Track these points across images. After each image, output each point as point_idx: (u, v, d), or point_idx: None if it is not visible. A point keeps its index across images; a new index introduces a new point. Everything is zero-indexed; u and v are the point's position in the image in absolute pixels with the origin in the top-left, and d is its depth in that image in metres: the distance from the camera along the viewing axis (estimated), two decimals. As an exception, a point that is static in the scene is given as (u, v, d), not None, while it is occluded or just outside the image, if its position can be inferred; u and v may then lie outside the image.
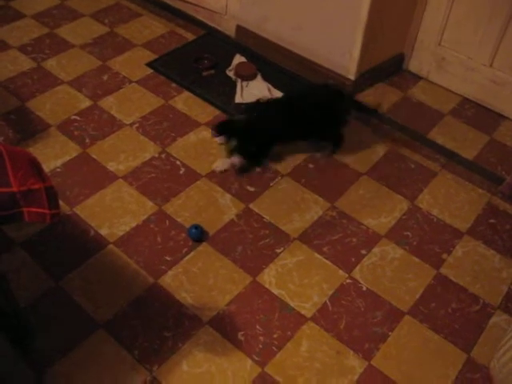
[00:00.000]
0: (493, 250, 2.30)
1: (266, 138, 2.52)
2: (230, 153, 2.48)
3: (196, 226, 2.24)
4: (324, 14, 2.81)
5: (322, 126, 2.56)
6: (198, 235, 2.23)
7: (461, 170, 2.62)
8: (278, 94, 2.92)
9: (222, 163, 2.54)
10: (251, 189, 2.47)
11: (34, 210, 1.33)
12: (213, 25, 3.42)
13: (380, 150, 2.69)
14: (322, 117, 2.52)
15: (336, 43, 2.85)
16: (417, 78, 3.14)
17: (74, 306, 2.01)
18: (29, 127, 2.70)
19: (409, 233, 2.34)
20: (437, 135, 2.79)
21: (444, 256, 2.27)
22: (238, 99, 2.91)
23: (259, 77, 3.02)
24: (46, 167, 2.48)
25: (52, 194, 1.35)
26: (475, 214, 2.44)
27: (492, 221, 2.42)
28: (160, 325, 1.97)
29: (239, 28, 3.28)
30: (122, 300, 2.04)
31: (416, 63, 3.13)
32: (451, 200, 2.49)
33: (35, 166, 1.32)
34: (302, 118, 2.49)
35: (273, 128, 2.48)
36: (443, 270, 2.21)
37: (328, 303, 2.08)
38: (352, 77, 2.89)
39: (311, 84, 2.96)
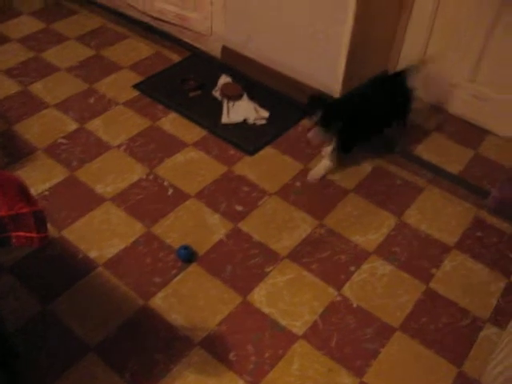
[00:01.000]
0: (481, 263, 2.32)
1: (367, 123, 2.65)
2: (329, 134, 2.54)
3: (185, 247, 2.24)
4: (308, 33, 2.84)
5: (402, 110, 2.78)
6: (188, 256, 2.23)
7: (447, 185, 2.65)
8: (264, 113, 2.95)
9: (317, 170, 2.64)
10: (239, 208, 2.47)
11: (22, 234, 1.33)
12: (198, 46, 3.44)
13: (367, 167, 2.71)
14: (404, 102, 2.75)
15: (321, 62, 2.88)
16: (401, 94, 3.18)
17: (63, 329, 2.00)
18: (16, 151, 2.70)
19: (397, 248, 2.35)
20: (422, 151, 2.82)
21: (433, 271, 2.28)
22: (224, 119, 2.92)
23: (245, 97, 3.04)
24: (34, 191, 2.48)
25: (40, 218, 1.35)
26: (462, 228, 2.46)
27: (479, 234, 2.43)
28: (151, 347, 1.97)
29: (224, 49, 3.30)
30: (112, 322, 2.03)
31: (400, 80, 3.17)
32: (438, 215, 2.51)
33: (23, 191, 1.32)
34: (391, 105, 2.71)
35: (374, 114, 2.64)
36: (432, 285, 2.23)
37: (319, 321, 2.08)
38: (337, 95, 2.91)
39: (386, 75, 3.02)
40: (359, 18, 2.63)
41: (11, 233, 1.32)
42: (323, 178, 2.63)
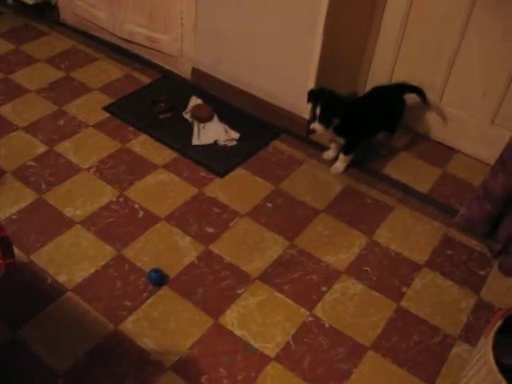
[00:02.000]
0: (451, 280, 2.34)
1: (368, 124, 2.80)
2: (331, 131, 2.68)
3: (156, 270, 2.22)
4: (277, 55, 2.87)
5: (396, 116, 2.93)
6: (159, 279, 2.22)
7: (416, 204, 2.68)
8: (234, 135, 2.96)
9: (339, 166, 2.82)
10: (210, 230, 2.47)
11: (-13, 260, 1.31)
12: (169, 68, 3.45)
13: (337, 187, 2.73)
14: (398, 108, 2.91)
15: (290, 84, 2.91)
16: (370, 115, 3.22)
17: (32, 356, 1.96)
18: (-17, 174, 2.67)
19: (368, 268, 2.37)
20: (391, 170, 2.85)
21: (404, 289, 2.29)
22: (195, 141, 2.93)
23: (215, 118, 3.05)
24: (2, 214, 2.44)
25: (6, 244, 1.33)
26: (432, 246, 2.49)
27: (449, 252, 2.46)
28: (122, 372, 1.94)
29: (194, 70, 3.32)
30: (82, 348, 2.00)
31: (369, 101, 3.21)
32: (408, 233, 2.53)
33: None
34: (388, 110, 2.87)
35: (374, 117, 2.80)
36: (403, 303, 2.24)
37: (291, 342, 2.07)
38: (307, 116, 2.94)
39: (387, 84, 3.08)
40: (328, 39, 2.68)
41: (-24, 259, 1.30)
42: (293, 199, 2.64)
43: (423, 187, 2.77)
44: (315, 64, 2.74)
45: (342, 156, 2.79)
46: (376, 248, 2.45)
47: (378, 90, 2.89)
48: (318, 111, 2.56)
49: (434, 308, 2.24)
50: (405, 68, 2.98)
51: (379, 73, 3.07)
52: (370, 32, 2.97)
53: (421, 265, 2.40)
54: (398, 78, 3.01)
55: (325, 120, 2.58)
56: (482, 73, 2.77)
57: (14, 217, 2.46)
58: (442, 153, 3.00)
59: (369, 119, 2.77)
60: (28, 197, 2.56)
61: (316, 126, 2.59)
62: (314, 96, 2.64)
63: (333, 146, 2.85)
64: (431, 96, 2.93)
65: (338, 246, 2.45)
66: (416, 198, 2.71)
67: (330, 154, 2.88)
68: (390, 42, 2.94)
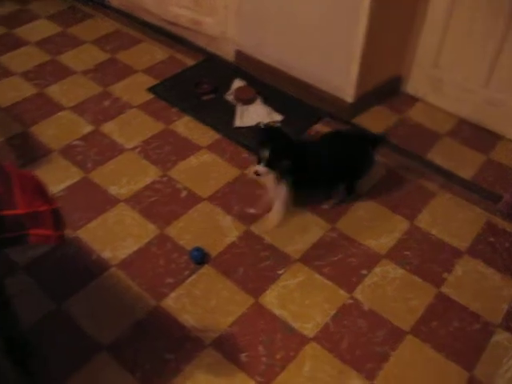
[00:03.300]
0: (492, 268, 2.31)
1: (316, 171, 2.39)
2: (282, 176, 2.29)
3: (198, 249, 2.26)
4: (321, 38, 2.86)
5: (352, 172, 2.53)
6: (200, 257, 2.25)
7: (459, 190, 2.65)
8: (277, 117, 2.96)
9: (274, 216, 2.43)
10: (252, 211, 2.48)
11: (39, 232, 1.35)
12: (212, 50, 3.47)
13: (379, 172, 2.72)
14: (355, 163, 2.50)
15: (334, 66, 2.90)
16: (414, 99, 3.18)
17: (76, 328, 2.02)
18: (31, 152, 2.73)
19: (409, 252, 2.36)
20: (435, 156, 2.82)
21: (444, 275, 2.28)
22: (237, 123, 2.94)
23: (258, 100, 3.06)
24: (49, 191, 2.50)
25: (58, 216, 1.37)
26: (474, 233, 2.46)
27: (491, 239, 2.43)
28: (162, 347, 1.98)
29: (238, 53, 3.33)
30: (125, 322, 2.05)
31: (413, 85, 3.18)
32: (450, 219, 2.51)
33: (41, 189, 1.35)
34: (341, 162, 2.44)
35: (323, 163, 2.40)
36: (444, 289, 2.23)
37: (330, 323, 2.09)
38: (350, 99, 2.93)
39: (351, 131, 2.86)
40: (373, 22, 2.65)
41: (29, 230, 1.34)
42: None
43: (466, 173, 2.73)
44: (359, 46, 2.71)
45: (279, 204, 2.40)
46: (417, 233, 2.44)
47: (337, 136, 2.55)
48: (265, 153, 2.20)
49: (474, 295, 2.22)
50: (451, 52, 2.93)
51: (424, 57, 3.03)
52: (415, 14, 2.93)
53: (462, 251, 2.38)
54: (443, 63, 2.97)
55: (273, 163, 2.22)
56: (531, 58, 2.71)
57: (61, 194, 2.52)
58: (487, 139, 2.95)
59: (318, 167, 2.38)
60: (74, 175, 2.62)
61: (260, 169, 2.23)
62: (263, 136, 2.33)
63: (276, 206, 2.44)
64: (478, 81, 2.88)
65: (379, 231, 2.44)
66: (459, 184, 2.68)
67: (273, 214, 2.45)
68: (437, 24, 2.89)
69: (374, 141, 2.55)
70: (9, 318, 1.73)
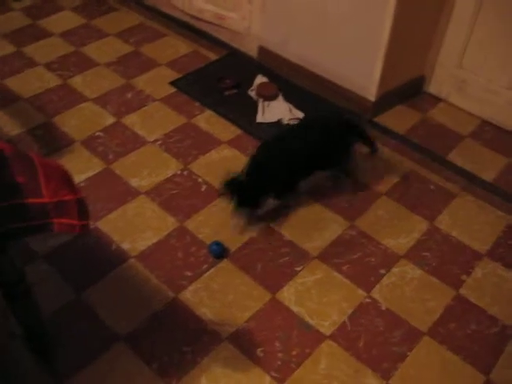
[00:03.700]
0: (512, 272, 2.30)
1: (281, 177, 2.39)
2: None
3: (217, 243, 2.26)
4: (346, 36, 2.85)
5: (330, 156, 2.49)
6: (219, 252, 2.26)
7: (480, 192, 2.62)
8: (299, 114, 2.96)
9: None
10: (271, 207, 2.49)
11: (64, 221, 1.36)
12: (235, 45, 3.47)
13: (400, 171, 2.71)
14: (330, 147, 2.46)
15: (357, 65, 2.89)
16: (436, 100, 3.16)
17: (94, 318, 2.04)
18: (54, 142, 2.76)
19: (428, 253, 2.35)
20: (456, 157, 2.80)
21: (463, 277, 2.26)
22: (259, 119, 2.94)
23: (280, 97, 3.06)
24: (70, 182, 2.53)
25: (82, 206, 1.38)
26: (495, 235, 2.44)
27: (512, 243, 2.42)
28: (179, 339, 1.99)
29: (261, 49, 3.33)
30: (142, 314, 2.06)
31: (436, 85, 3.16)
32: (471, 222, 2.49)
33: (67, 178, 1.36)
34: (312, 149, 2.42)
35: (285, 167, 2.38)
36: (462, 291, 2.21)
37: (347, 322, 2.08)
38: (372, 98, 2.92)
39: (321, 114, 2.87)
40: (398, 20, 2.64)
41: (53, 219, 1.36)
42: (355, 180, 2.63)
43: (488, 176, 2.71)
44: (384, 45, 2.70)
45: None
46: (437, 234, 2.43)
47: (309, 124, 2.55)
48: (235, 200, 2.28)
49: (493, 298, 2.20)
50: (475, 53, 2.90)
51: (448, 57, 3.01)
52: (441, 14, 2.90)
53: (482, 254, 2.36)
54: (467, 64, 2.94)
55: (245, 205, 2.32)
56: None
57: (82, 184, 2.54)
58: (509, 141, 2.92)
59: (289, 168, 2.39)
60: (96, 166, 2.64)
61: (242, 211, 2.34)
62: (230, 188, 2.30)
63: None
64: (501, 83, 2.86)
65: (399, 230, 2.43)
66: (480, 186, 2.66)
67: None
68: (462, 24, 2.87)
69: (347, 125, 2.52)
70: (29, 307, 1.75)
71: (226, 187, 2.29)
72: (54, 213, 1.35)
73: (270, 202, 2.46)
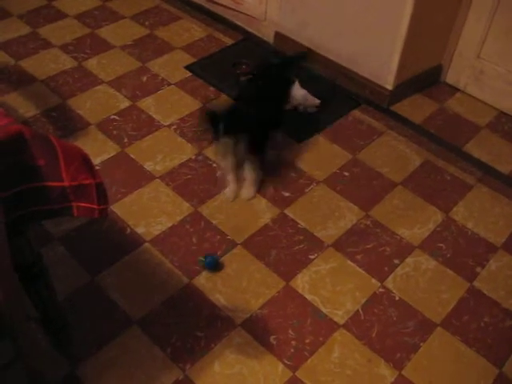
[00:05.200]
0: (527, 265, 2.29)
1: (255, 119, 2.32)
2: (228, 150, 2.32)
3: (212, 255, 2.18)
4: (364, 22, 2.82)
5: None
6: (214, 264, 2.17)
7: (497, 184, 2.61)
8: (315, 101, 2.93)
9: (249, 189, 2.47)
10: (286, 194, 2.48)
11: (83, 204, 1.36)
12: (251, 30, 3.45)
13: (416, 161, 2.69)
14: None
15: (375, 52, 2.86)
16: (454, 89, 3.13)
17: (108, 302, 2.05)
18: (69, 125, 2.75)
19: (442, 244, 2.33)
20: (473, 148, 2.78)
21: (477, 269, 2.25)
22: (274, 105, 2.92)
23: (296, 84, 3.02)
24: (85, 165, 2.52)
25: (102, 190, 1.38)
26: (510, 228, 2.42)
27: (527, 236, 2.40)
28: (193, 324, 2.00)
29: (278, 34, 3.30)
30: (156, 298, 2.07)
31: (454, 75, 3.13)
32: (486, 214, 2.48)
33: (87, 162, 1.35)
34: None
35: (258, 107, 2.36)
36: (476, 284, 2.20)
37: (360, 311, 2.08)
38: (389, 87, 2.89)
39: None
40: (418, 8, 2.61)
41: (73, 203, 1.35)
42: (370, 169, 2.62)
43: (505, 168, 2.69)
44: (403, 33, 2.67)
45: (248, 165, 2.43)
46: (452, 225, 2.41)
47: (261, 71, 2.71)
48: (221, 128, 2.21)
49: (507, 291, 2.19)
50: (495, 43, 2.87)
51: (467, 47, 2.97)
52: (461, 1, 2.86)
53: (497, 246, 2.35)
54: (486, 54, 2.91)
55: (232, 129, 2.23)
56: None
57: (97, 167, 2.51)
58: (527, 134, 2.90)
59: (262, 110, 2.37)
60: (110, 149, 2.63)
61: (225, 140, 2.26)
62: (213, 117, 2.25)
63: (231, 175, 2.47)
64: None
65: (414, 221, 2.42)
66: (497, 178, 2.64)
67: (232, 188, 2.47)
68: (483, 13, 2.83)
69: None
70: (45, 289, 1.75)
71: (209, 116, 2.24)
72: (73, 196, 1.34)
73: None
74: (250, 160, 2.42)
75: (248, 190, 2.47)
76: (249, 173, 2.45)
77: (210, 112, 2.26)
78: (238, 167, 2.45)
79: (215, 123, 2.22)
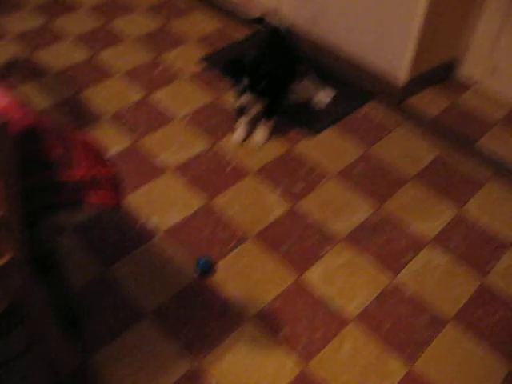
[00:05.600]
0: (540, 261, 2.28)
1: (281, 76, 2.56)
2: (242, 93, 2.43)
3: (205, 258, 2.16)
4: (377, 17, 2.80)
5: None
6: (207, 267, 2.15)
7: (509, 181, 2.59)
8: (327, 95, 2.93)
9: (261, 136, 2.65)
10: (299, 187, 2.48)
11: (98, 196, 1.37)
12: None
13: (429, 155, 2.68)
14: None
15: (388, 47, 2.84)
16: (468, 84, 3.12)
17: (121, 292, 2.06)
18: (82, 116, 2.76)
19: (455, 240, 2.33)
20: (486, 143, 2.76)
21: (490, 265, 2.25)
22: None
23: (309, 77, 3.02)
24: (99, 156, 2.54)
25: (116, 181, 1.39)
26: (524, 224, 2.42)
27: (540, 232, 2.39)
28: (205, 316, 2.01)
29: (290, 28, 3.28)
30: (169, 290, 2.08)
31: (468, 70, 3.11)
32: (499, 209, 2.47)
33: (100, 154, 1.36)
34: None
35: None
36: (488, 280, 2.20)
37: (372, 305, 2.08)
38: (402, 81, 2.88)
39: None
40: (433, 2, 2.58)
41: (87, 194, 1.36)
42: (383, 164, 2.61)
43: (519, 164, 2.68)
44: (417, 28, 2.66)
45: (264, 123, 2.65)
46: (464, 221, 2.41)
47: (268, 36, 2.80)
48: (245, 81, 2.32)
49: (520, 287, 2.19)
50: (510, 37, 2.84)
51: (482, 41, 2.95)
52: (477, -3, 2.86)
53: (510, 242, 2.34)
54: (502, 48, 2.89)
55: (255, 86, 2.35)
56: None
57: (110, 159, 2.54)
58: (542, 130, 2.89)
59: (282, 66, 2.62)
60: (124, 141, 2.64)
61: (246, 98, 2.38)
62: (234, 67, 2.40)
63: (242, 122, 2.66)
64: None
65: (426, 216, 2.41)
66: (510, 174, 2.63)
67: (240, 134, 2.67)
68: (498, 7, 2.80)
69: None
70: (58, 280, 1.76)
71: (232, 66, 2.34)
72: (88, 188, 1.35)
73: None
74: (264, 120, 2.61)
75: (260, 134, 2.64)
76: (262, 124, 2.64)
77: (235, 61, 2.36)
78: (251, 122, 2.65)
79: (239, 75, 2.35)
